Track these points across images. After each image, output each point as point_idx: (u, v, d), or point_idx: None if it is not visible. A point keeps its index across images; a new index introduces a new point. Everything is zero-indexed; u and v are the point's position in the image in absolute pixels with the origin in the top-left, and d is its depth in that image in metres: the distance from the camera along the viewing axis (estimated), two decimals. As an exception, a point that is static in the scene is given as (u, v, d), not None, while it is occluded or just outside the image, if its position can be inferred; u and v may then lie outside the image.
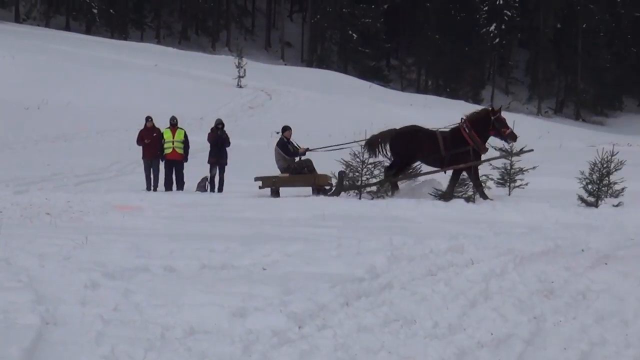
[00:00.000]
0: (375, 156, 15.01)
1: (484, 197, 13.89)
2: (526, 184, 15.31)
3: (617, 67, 62.32)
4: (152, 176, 16.91)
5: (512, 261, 7.79)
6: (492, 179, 14.81)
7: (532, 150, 15.05)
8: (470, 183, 14.09)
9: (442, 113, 33.62)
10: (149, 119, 17.38)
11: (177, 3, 70.29)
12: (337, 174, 14.74)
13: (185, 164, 17.03)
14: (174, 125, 17.08)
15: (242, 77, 44.12)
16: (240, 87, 43.71)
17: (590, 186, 13.33)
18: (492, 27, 58.68)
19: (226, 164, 16.95)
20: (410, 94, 52.49)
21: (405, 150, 14.79)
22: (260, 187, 15.21)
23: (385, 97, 45.88)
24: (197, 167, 17.87)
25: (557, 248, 8.83)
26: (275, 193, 15.23)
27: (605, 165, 13.47)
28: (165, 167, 17.03)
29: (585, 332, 5.63)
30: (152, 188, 16.76)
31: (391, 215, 12.02)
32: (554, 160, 23.92)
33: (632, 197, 13.48)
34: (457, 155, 14.30)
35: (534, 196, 14.38)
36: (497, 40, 59.46)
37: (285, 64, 62.20)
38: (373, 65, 65.22)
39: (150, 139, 17.05)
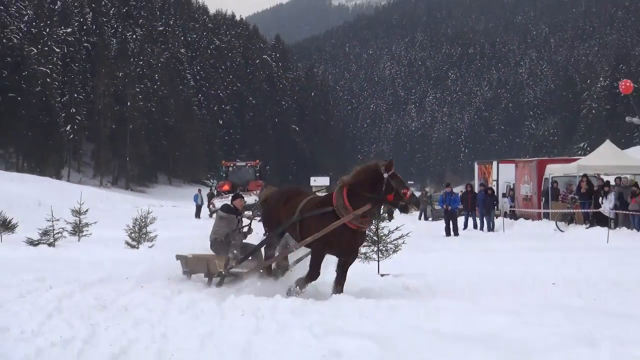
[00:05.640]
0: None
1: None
2: (90, 234, 18.12)
3: (153, 154, 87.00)
4: None
5: (78, 286, 9.27)
6: (65, 230, 17.17)
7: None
8: None
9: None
10: None
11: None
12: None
13: None
14: None
15: None
16: None
17: (133, 234, 16.62)
18: (68, 128, 76.33)
19: None
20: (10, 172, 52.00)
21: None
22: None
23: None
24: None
25: (109, 277, 10.51)
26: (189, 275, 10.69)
27: (143, 220, 16.91)
28: None
29: (125, 334, 6.56)
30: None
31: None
32: (113, 218, 27.04)
33: (163, 242, 16.48)
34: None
35: (98, 241, 17.18)
36: (71, 136, 77.74)
37: None
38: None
39: None
